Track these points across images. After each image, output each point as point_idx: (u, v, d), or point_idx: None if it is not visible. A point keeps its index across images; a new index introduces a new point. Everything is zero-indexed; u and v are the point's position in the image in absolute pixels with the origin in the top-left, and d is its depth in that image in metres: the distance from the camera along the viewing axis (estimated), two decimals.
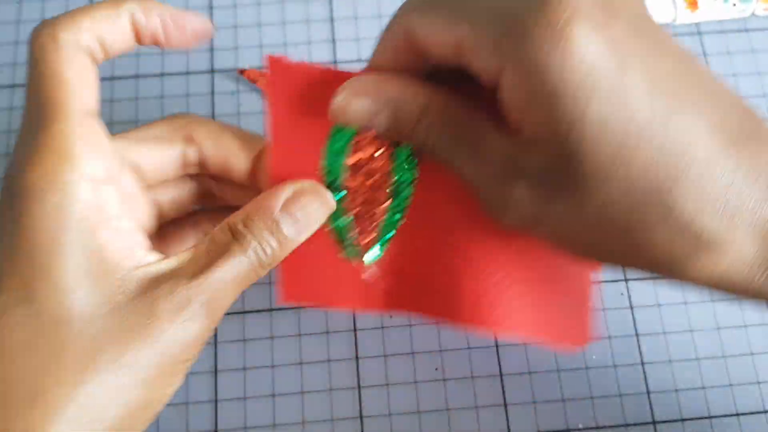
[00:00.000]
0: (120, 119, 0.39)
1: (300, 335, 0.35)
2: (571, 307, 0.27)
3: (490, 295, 0.26)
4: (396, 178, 0.27)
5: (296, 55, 0.40)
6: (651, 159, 0.19)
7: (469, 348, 0.35)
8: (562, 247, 0.23)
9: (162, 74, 0.40)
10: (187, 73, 0.40)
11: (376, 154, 0.27)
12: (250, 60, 0.40)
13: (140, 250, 0.22)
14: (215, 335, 0.35)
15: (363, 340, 0.35)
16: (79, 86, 0.23)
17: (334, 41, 0.41)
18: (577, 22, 0.18)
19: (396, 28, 0.23)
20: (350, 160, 0.27)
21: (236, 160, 0.26)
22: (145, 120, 0.39)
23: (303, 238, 0.24)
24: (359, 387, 0.34)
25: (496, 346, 0.35)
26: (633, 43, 0.19)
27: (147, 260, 0.22)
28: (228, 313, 0.35)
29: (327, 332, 0.35)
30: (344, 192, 0.27)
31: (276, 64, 0.26)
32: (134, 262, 0.21)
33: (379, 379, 0.34)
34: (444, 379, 0.34)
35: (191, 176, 0.28)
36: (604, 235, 0.21)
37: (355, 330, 0.35)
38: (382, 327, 0.35)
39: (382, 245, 0.28)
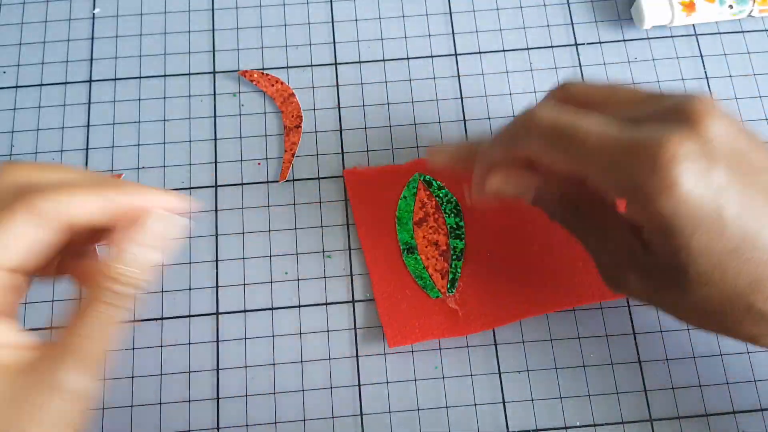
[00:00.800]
0: (122, 120, 0.39)
1: (300, 334, 0.35)
2: None
3: (554, 282, 0.35)
4: (447, 220, 0.36)
5: (296, 55, 0.41)
6: (739, 269, 0.25)
7: (468, 346, 0.35)
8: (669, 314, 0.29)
9: (164, 75, 0.40)
10: (189, 74, 0.40)
11: (429, 203, 0.37)
12: (252, 61, 0.41)
13: (5, 348, 0.23)
14: (217, 335, 0.35)
15: (363, 339, 0.35)
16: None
17: (334, 43, 0.41)
18: (683, 172, 0.23)
19: (516, 149, 0.28)
20: (414, 218, 0.36)
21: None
22: (147, 120, 0.39)
23: (152, 258, 0.25)
24: (359, 384, 0.35)
25: (495, 345, 0.35)
26: (730, 181, 0.24)
27: (13, 357, 0.23)
28: (230, 312, 0.36)
29: (327, 331, 0.35)
30: (416, 249, 0.36)
31: (350, 173, 0.38)
32: (3, 363, 0.23)
33: (379, 376, 0.35)
34: (443, 377, 0.35)
35: None
36: (703, 318, 0.27)
37: (355, 328, 0.36)
38: (382, 326, 0.35)
39: (455, 276, 0.35)
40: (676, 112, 0.25)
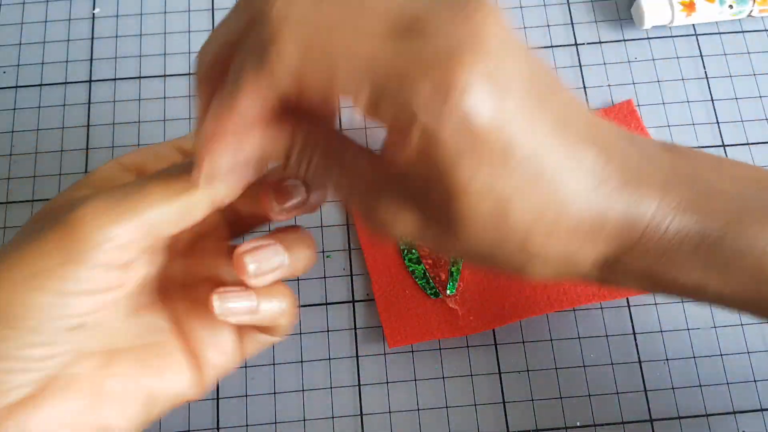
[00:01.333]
0: (122, 120, 0.39)
1: (301, 334, 0.35)
2: None
3: (548, 284, 0.34)
4: None
5: None
6: (518, 213, 0.19)
7: (468, 346, 0.35)
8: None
9: (164, 75, 0.40)
10: (189, 74, 0.40)
11: None
12: None
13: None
14: None
15: (363, 339, 0.35)
16: None
17: None
18: (476, 97, 0.17)
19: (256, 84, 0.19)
20: None
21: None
22: (147, 120, 0.39)
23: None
24: (359, 384, 0.35)
25: (495, 345, 0.35)
26: (522, 108, 0.19)
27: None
28: None
29: (327, 331, 0.35)
30: (415, 249, 0.36)
31: None
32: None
33: (379, 376, 0.35)
34: (443, 377, 0.35)
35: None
36: (474, 255, 0.21)
37: (355, 328, 0.36)
38: (382, 326, 0.35)
39: (455, 276, 0.35)
40: (455, 15, 0.18)
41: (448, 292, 0.35)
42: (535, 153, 0.19)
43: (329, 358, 0.35)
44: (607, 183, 0.20)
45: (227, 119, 0.20)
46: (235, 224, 0.27)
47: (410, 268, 0.36)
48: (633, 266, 0.22)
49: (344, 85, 0.18)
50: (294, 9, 0.18)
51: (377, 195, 0.21)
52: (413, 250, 0.36)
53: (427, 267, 0.36)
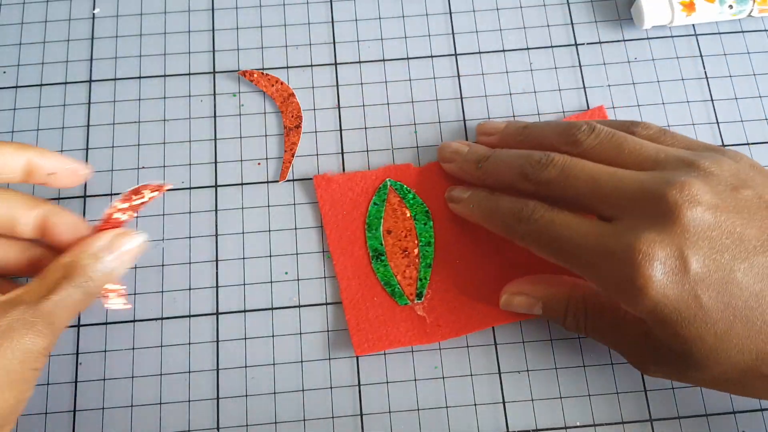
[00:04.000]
0: (122, 120, 0.39)
1: (300, 334, 0.35)
2: None
3: None
4: (417, 227, 0.36)
5: (296, 55, 0.41)
6: (741, 347, 0.26)
7: (468, 346, 0.35)
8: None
9: (164, 75, 0.40)
10: (189, 74, 0.40)
11: (399, 209, 0.36)
12: (252, 61, 0.41)
13: None
14: (217, 335, 0.35)
15: None
16: None
17: (334, 43, 0.41)
18: (654, 272, 0.26)
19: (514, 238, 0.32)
20: (384, 224, 0.36)
21: (24, 217, 0.31)
22: (147, 120, 0.39)
23: (121, 270, 0.31)
24: (359, 384, 0.35)
25: (495, 345, 0.35)
26: (706, 268, 0.26)
27: None
28: (230, 312, 0.36)
29: (327, 331, 0.35)
30: (384, 256, 0.36)
31: (320, 179, 0.37)
32: None
33: (379, 376, 0.35)
34: (443, 377, 0.35)
35: None
36: (727, 386, 0.29)
37: None
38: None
39: (424, 283, 0.35)
40: (652, 204, 0.27)
41: (416, 299, 0.35)
42: (720, 300, 0.26)
43: (329, 358, 0.35)
44: None
45: None
46: None
47: (379, 275, 0.35)
48: None
49: None
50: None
51: (641, 354, 0.30)
52: (382, 257, 0.36)
53: (396, 274, 0.35)
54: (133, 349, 0.35)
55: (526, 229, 0.30)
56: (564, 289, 0.32)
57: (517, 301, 0.33)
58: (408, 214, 0.36)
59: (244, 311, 0.36)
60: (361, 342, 0.34)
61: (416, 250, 0.36)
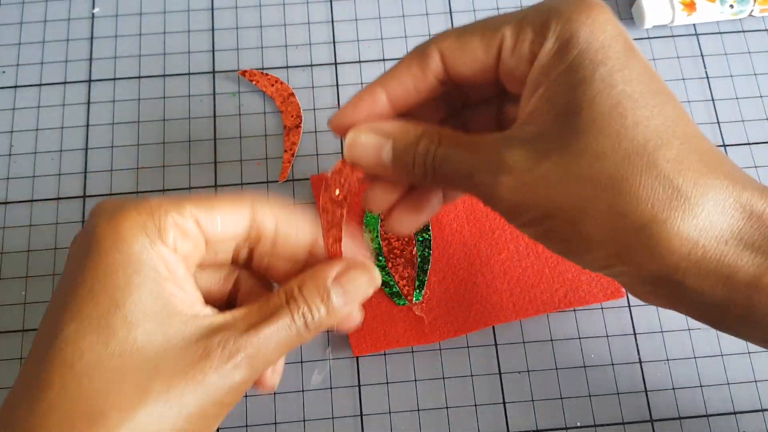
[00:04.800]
0: (122, 119, 0.39)
1: None
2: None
3: (521, 290, 0.35)
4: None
5: (296, 55, 0.41)
6: (642, 118, 0.22)
7: (468, 347, 0.35)
8: (545, 223, 0.24)
9: (164, 75, 0.40)
10: (189, 74, 0.40)
11: None
12: (251, 61, 0.41)
13: (198, 304, 0.24)
14: None
15: None
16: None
17: (334, 43, 0.41)
18: (599, 7, 0.23)
19: (427, 50, 0.25)
20: (381, 228, 0.36)
21: (302, 235, 0.27)
22: (147, 120, 0.39)
23: (348, 309, 0.26)
24: (359, 385, 0.35)
25: (495, 345, 0.35)
26: (628, 36, 0.23)
27: (204, 312, 0.24)
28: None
29: (327, 331, 0.35)
30: (383, 256, 0.35)
31: (317, 179, 0.37)
32: (193, 312, 0.23)
33: (379, 377, 0.35)
34: (443, 378, 0.35)
35: (234, 266, 0.28)
36: (592, 190, 0.22)
37: None
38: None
39: (422, 284, 0.35)
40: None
41: (414, 299, 0.35)
42: (641, 58, 0.23)
43: (329, 359, 0.35)
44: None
45: None
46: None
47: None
48: None
49: None
50: None
51: (497, 153, 0.24)
52: (380, 257, 0.36)
53: (393, 275, 0.35)
54: None
55: None
56: (417, 123, 0.26)
57: (364, 140, 0.26)
58: None
59: None
60: (359, 342, 0.34)
61: (414, 251, 0.36)
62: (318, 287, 0.25)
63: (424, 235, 0.36)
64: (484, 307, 0.35)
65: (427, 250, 0.36)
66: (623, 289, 0.35)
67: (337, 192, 0.27)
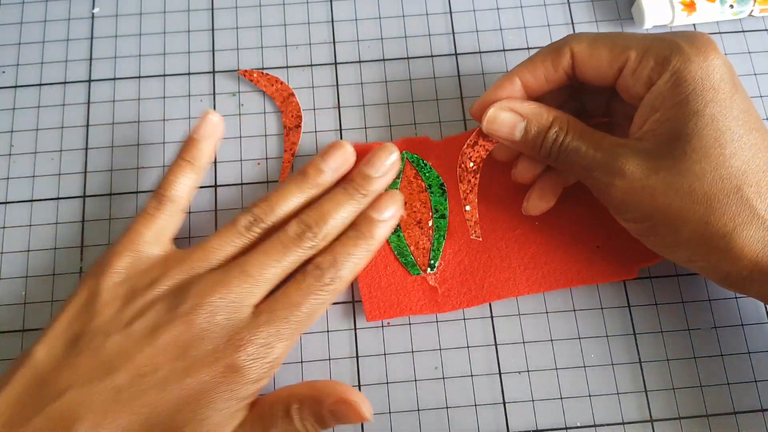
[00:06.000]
0: (122, 119, 0.39)
1: (301, 334, 0.35)
2: (611, 248, 0.36)
3: (535, 265, 0.36)
4: (432, 199, 0.37)
5: (296, 55, 0.41)
6: (736, 150, 0.28)
7: (468, 347, 0.35)
8: (644, 223, 0.30)
9: (164, 75, 0.40)
10: (189, 74, 0.40)
11: (415, 181, 0.37)
12: (252, 61, 0.41)
13: None
14: None
15: (363, 339, 0.35)
16: None
17: (334, 43, 0.41)
18: (714, 51, 0.28)
19: (562, 49, 0.31)
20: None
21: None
22: (146, 120, 0.39)
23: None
24: (359, 385, 0.35)
25: (495, 345, 0.35)
26: (738, 79, 0.29)
27: None
28: None
29: (327, 331, 0.35)
30: (399, 226, 0.36)
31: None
32: None
33: (379, 377, 0.35)
34: (443, 377, 0.35)
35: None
36: (689, 203, 0.28)
37: (355, 328, 0.35)
38: (382, 326, 0.35)
39: (437, 254, 0.36)
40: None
41: (428, 269, 0.35)
42: (744, 101, 0.29)
43: (329, 359, 0.35)
44: None
45: None
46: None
47: (392, 245, 0.36)
48: None
49: None
50: None
51: (616, 159, 0.29)
52: (397, 228, 0.36)
53: (409, 245, 0.36)
54: None
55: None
56: (551, 108, 0.32)
57: (503, 117, 0.32)
58: (423, 186, 0.37)
59: None
60: (372, 309, 0.35)
61: (430, 222, 0.36)
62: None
63: (440, 206, 0.36)
64: (497, 279, 0.35)
65: (443, 221, 0.36)
66: (636, 270, 0.35)
67: (471, 164, 0.34)
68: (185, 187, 0.34)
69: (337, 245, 0.33)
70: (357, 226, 0.33)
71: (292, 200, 0.33)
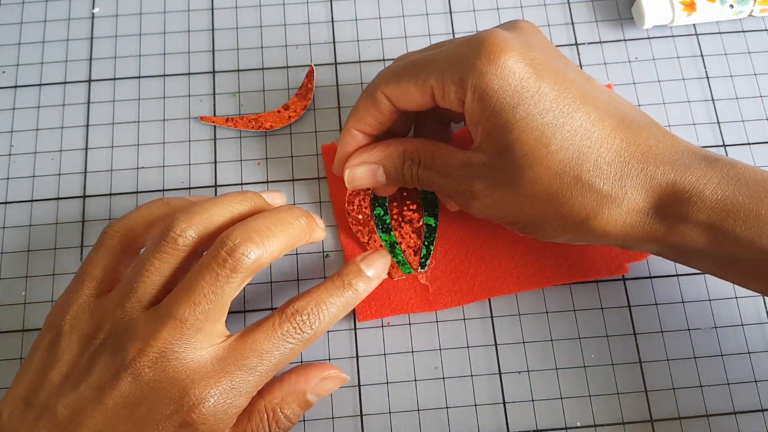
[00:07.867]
0: (122, 120, 0.39)
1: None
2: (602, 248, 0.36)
3: (525, 262, 0.36)
4: (423, 198, 0.37)
5: (296, 55, 0.41)
6: (562, 142, 0.27)
7: (468, 347, 0.35)
8: (514, 226, 0.31)
9: (163, 75, 0.40)
10: (189, 74, 0.40)
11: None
12: (252, 61, 0.41)
13: None
14: None
15: (363, 339, 0.35)
16: None
17: (334, 43, 0.41)
18: (504, 52, 0.27)
19: (375, 95, 0.31)
20: (390, 197, 0.37)
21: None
22: (146, 120, 0.39)
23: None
24: (359, 385, 0.35)
25: (495, 345, 0.35)
26: (546, 63, 0.28)
27: None
28: (230, 312, 0.36)
29: (327, 331, 0.35)
30: (390, 225, 0.36)
31: (327, 149, 0.38)
32: None
33: (379, 377, 0.35)
34: (443, 377, 0.35)
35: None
36: (538, 205, 0.28)
37: (355, 328, 0.35)
38: (382, 326, 0.35)
39: (428, 253, 0.36)
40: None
41: (419, 268, 0.36)
42: (557, 92, 0.27)
43: (329, 359, 0.35)
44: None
45: None
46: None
47: (384, 244, 0.36)
48: (694, 217, 0.27)
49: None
50: None
51: (466, 182, 0.30)
52: (388, 227, 0.36)
53: (400, 243, 0.36)
54: None
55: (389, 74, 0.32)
56: (398, 144, 0.32)
57: (360, 173, 0.33)
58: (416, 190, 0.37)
59: (244, 311, 0.36)
60: (363, 309, 0.35)
61: (421, 221, 0.36)
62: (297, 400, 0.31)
63: (431, 205, 0.36)
64: (488, 278, 0.35)
65: (434, 219, 0.36)
66: (627, 266, 0.35)
67: (360, 217, 0.36)
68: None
69: (322, 292, 0.30)
70: (344, 275, 0.31)
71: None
